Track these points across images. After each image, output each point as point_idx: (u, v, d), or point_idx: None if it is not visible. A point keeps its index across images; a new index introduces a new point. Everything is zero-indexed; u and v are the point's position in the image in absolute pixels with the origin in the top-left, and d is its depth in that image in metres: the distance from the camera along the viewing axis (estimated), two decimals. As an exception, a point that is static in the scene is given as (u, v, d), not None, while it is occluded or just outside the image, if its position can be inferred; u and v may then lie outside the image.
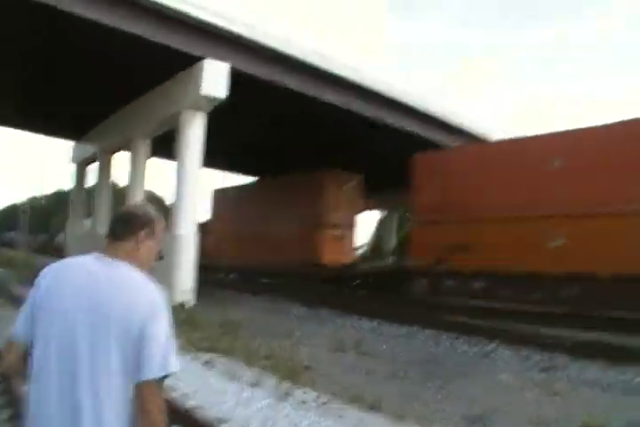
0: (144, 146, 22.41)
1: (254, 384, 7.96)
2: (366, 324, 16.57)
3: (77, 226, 31.62)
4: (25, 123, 29.83)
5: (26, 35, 16.77)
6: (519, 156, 16.84)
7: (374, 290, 24.08)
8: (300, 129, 24.81)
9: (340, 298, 22.34)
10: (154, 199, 46.94)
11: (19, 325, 2.12)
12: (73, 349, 1.97)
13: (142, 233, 2.23)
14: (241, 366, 9.25)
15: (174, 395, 6.63)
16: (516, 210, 16.18)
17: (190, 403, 6.44)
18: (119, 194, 32.53)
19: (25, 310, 2.13)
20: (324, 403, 7.20)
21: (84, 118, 26.12)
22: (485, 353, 12.43)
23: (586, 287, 14.37)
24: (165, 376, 2.03)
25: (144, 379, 1.97)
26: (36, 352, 2.02)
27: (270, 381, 8.25)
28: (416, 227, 20.95)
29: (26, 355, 2.08)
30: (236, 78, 17.62)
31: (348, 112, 21.62)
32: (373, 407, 7.25)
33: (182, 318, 14.65)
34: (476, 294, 17.51)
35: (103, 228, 26.35)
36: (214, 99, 17.90)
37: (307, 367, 9.66)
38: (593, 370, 10.68)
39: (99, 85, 20.68)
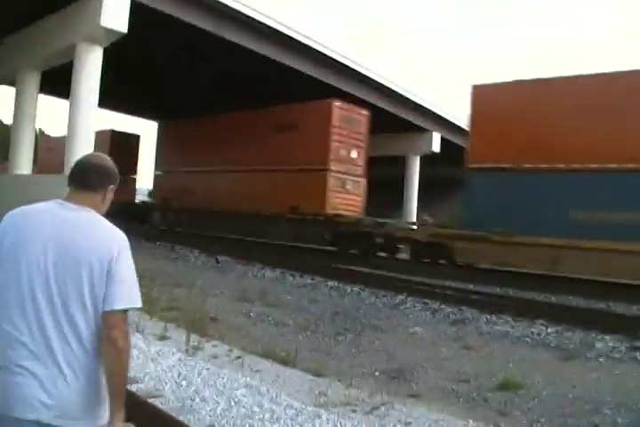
0: (33, 79, 20.43)
1: (161, 337, 7.37)
2: (269, 272, 16.22)
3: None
4: None
5: None
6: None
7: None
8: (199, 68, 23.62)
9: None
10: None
11: None
12: (47, 288, 2.08)
13: (110, 187, 2.36)
14: (145, 318, 8.60)
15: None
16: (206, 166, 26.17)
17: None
18: (6, 132, 30.31)
19: None
20: (238, 357, 6.72)
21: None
22: (394, 305, 12.27)
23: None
24: (126, 310, 2.19)
25: (112, 308, 2.11)
26: (7, 295, 2.11)
27: (177, 334, 7.69)
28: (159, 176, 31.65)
29: None
30: (138, 13, 16.26)
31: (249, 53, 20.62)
32: (287, 362, 6.86)
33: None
34: (183, 224, 27.35)
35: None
36: (114, 32, 16.43)
37: (213, 319, 9.13)
38: (501, 323, 10.71)
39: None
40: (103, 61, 16.97)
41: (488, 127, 16.80)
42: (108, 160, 2.39)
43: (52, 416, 2.03)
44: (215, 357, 6.73)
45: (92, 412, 2.13)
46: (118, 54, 17.59)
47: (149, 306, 9.31)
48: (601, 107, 14.80)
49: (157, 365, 5.92)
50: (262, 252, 20.67)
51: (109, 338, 2.08)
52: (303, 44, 21.70)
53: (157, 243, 22.08)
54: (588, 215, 14.27)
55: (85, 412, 2.11)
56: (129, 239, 2.28)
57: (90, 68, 16.97)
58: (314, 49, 22.20)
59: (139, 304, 2.21)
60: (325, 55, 22.75)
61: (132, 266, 2.24)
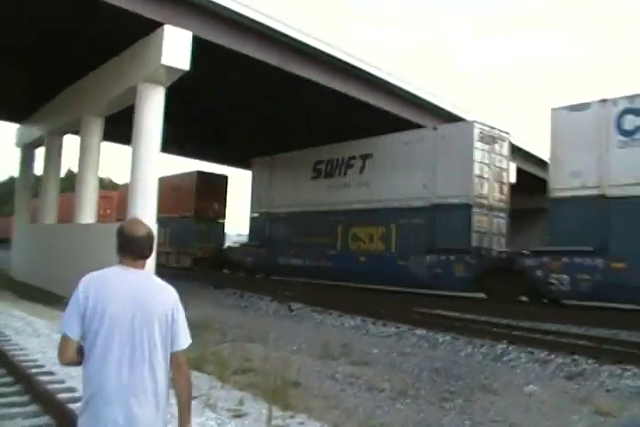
0: (96, 126, 19.85)
1: (236, 414, 6.12)
2: (348, 321, 14.87)
3: (23, 214, 29.11)
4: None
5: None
6: None
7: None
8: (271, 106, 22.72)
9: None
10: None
11: (73, 327, 2.67)
12: (131, 336, 2.67)
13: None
14: (215, 386, 7.39)
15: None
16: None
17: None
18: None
19: (73, 315, 2.67)
20: (331, 441, 5.41)
21: (27, 98, 23.68)
22: (496, 357, 10.75)
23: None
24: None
25: (179, 349, 2.79)
26: (96, 344, 2.65)
27: (255, 407, 6.43)
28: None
29: (79, 349, 2.70)
30: (201, 49, 15.50)
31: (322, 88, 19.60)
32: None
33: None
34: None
35: (50, 217, 24.12)
36: (176, 70, 15.65)
37: (295, 384, 7.84)
38: (628, 376, 9.11)
39: (43, 60, 18.54)
40: (168, 104, 16.20)
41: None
42: (149, 227, 2.92)
43: None
44: (304, 441, 5.43)
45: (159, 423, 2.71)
46: (184, 96, 16.89)
47: (221, 369, 8.18)
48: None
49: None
50: (337, 297, 19.36)
51: (179, 369, 2.79)
52: (374, 77, 20.68)
53: (224, 290, 20.99)
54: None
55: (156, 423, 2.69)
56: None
57: (152, 110, 16.16)
58: (387, 82, 21.15)
59: (190, 342, 2.83)
60: (395, 86, 21.63)
61: (184, 315, 2.84)
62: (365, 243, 22.97)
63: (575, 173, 16.32)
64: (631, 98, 15.76)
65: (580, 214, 16.03)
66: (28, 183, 29.57)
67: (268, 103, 22.12)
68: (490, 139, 20.23)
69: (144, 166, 16.26)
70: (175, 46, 15.28)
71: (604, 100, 16.17)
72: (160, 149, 16.43)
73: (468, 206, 19.44)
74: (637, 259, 14.54)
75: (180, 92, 16.46)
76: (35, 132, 27.01)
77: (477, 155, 19.75)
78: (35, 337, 10.09)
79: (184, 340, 2.79)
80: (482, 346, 11.61)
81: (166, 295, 2.81)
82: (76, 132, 21.18)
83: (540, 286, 17.04)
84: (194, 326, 9.30)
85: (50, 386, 6.48)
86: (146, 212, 15.89)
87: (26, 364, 7.72)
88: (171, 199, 30.34)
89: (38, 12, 15.35)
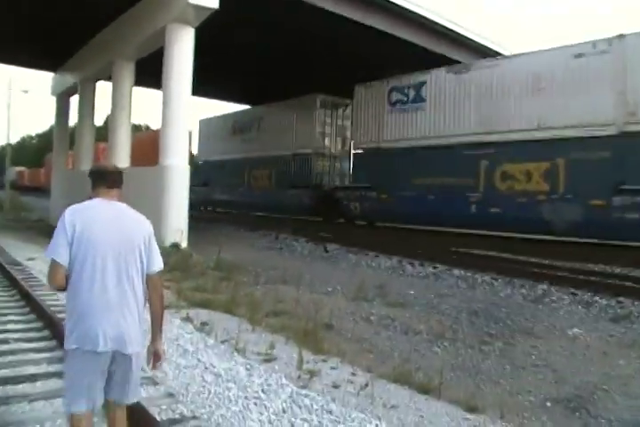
0: (127, 70, 19.47)
1: (266, 359, 5.90)
2: (384, 261, 14.57)
3: (60, 162, 29.14)
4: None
5: None
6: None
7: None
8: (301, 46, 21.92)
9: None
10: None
11: (62, 253, 2.91)
12: (117, 259, 3.00)
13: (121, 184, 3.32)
14: (245, 329, 7.18)
15: (156, 395, 4.56)
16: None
17: (180, 410, 4.31)
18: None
19: (61, 241, 2.91)
20: (365, 386, 5.14)
21: (61, 45, 23.27)
22: (537, 298, 10.38)
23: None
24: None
25: (154, 270, 3.16)
26: (85, 266, 2.93)
27: (286, 351, 6.22)
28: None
29: (67, 273, 2.94)
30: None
31: (353, 24, 18.79)
32: (429, 391, 5.25)
33: (173, 262, 12.67)
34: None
35: (86, 162, 24.03)
36: (204, 8, 15.06)
37: (328, 326, 7.60)
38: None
39: (74, 4, 18.09)
40: (196, 47, 15.66)
41: None
42: (117, 167, 3.48)
43: (116, 346, 2.95)
44: (336, 386, 5.18)
45: (139, 339, 3.06)
46: (210, 38, 16.33)
47: (252, 311, 7.97)
48: None
49: (262, 409, 4.40)
50: (372, 237, 19.05)
51: (155, 288, 3.18)
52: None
53: (259, 232, 20.80)
54: None
55: (136, 339, 3.03)
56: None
57: (181, 51, 15.63)
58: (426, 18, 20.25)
59: (162, 265, 3.24)
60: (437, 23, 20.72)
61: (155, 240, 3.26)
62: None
63: (363, 133, 23.05)
64: (397, 79, 21.34)
65: (366, 162, 23.17)
66: (65, 132, 29.47)
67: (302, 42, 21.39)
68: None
69: (175, 109, 15.91)
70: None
71: (382, 80, 21.92)
72: (191, 91, 16.01)
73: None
74: (395, 192, 20.82)
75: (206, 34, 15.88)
76: (68, 79, 26.75)
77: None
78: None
79: (158, 263, 3.19)
80: (522, 287, 11.27)
81: (143, 225, 3.21)
82: (109, 78, 20.76)
83: (344, 210, 23.70)
84: (227, 268, 9.08)
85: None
86: (178, 154, 15.67)
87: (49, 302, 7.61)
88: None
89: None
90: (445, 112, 19.50)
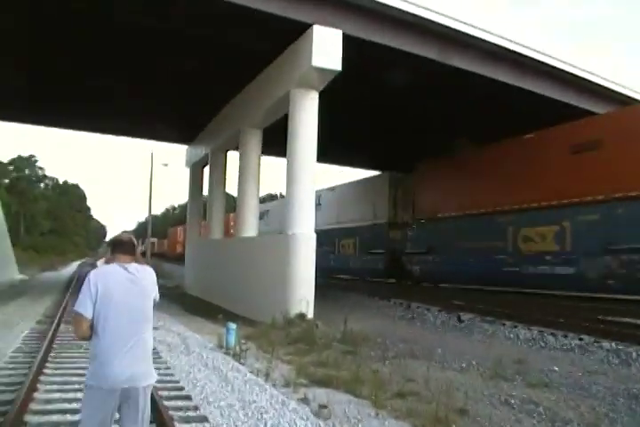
0: (254, 138, 19.75)
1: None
2: (523, 333, 13.39)
3: (193, 231, 29.97)
4: (139, 131, 28.85)
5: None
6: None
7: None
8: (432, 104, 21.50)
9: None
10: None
11: (87, 308, 3.49)
12: (140, 313, 3.65)
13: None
14: (368, 414, 6.47)
15: None
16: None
17: None
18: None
19: (86, 300, 3.50)
20: None
21: (193, 118, 24.31)
22: None
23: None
24: None
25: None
26: (108, 320, 3.50)
27: (411, 444, 5.45)
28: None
29: (91, 326, 3.50)
30: (351, 48, 14.81)
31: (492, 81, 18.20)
32: None
33: (296, 334, 12.22)
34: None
35: (217, 231, 24.44)
36: (327, 71, 15.03)
37: (461, 411, 6.73)
38: None
39: (204, 81, 18.85)
40: (322, 111, 15.62)
41: None
42: (132, 237, 3.95)
43: (132, 383, 3.52)
44: None
45: (150, 373, 3.72)
46: (336, 100, 16.30)
47: (377, 390, 7.22)
48: None
49: None
50: (509, 305, 17.79)
51: None
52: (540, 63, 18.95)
53: (392, 301, 20.00)
54: None
55: (147, 373, 3.67)
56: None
57: (306, 115, 15.65)
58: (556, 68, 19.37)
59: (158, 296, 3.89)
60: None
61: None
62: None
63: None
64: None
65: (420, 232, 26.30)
66: (198, 202, 30.43)
67: (425, 101, 21.00)
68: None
69: (300, 175, 15.74)
70: (325, 46, 14.81)
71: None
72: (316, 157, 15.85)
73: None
74: (444, 256, 24.01)
75: (329, 97, 15.81)
76: (200, 151, 27.77)
77: None
78: (185, 355, 9.68)
79: (156, 297, 3.83)
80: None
81: (151, 275, 3.81)
82: (237, 148, 21.17)
83: (406, 272, 26.89)
84: (353, 340, 8.43)
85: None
86: (304, 222, 15.39)
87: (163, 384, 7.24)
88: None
89: (197, 33, 15.58)
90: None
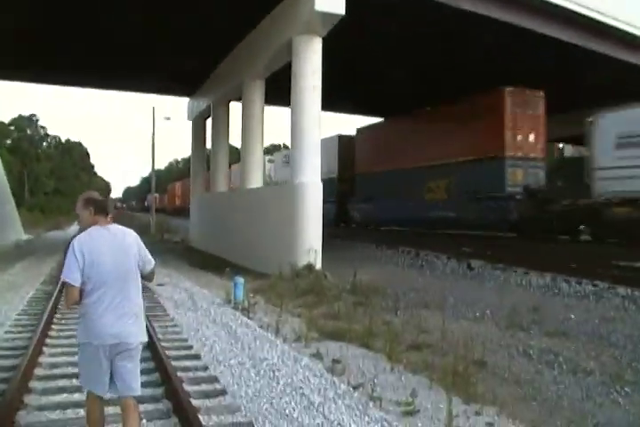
0: (257, 88, 19.14)
1: (406, 411, 4.95)
2: (535, 279, 13.17)
3: (197, 185, 29.64)
4: (140, 85, 28.21)
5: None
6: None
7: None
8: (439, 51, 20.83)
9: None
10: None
11: (75, 277, 3.56)
12: (124, 273, 3.72)
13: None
14: (383, 368, 6.28)
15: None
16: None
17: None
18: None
19: (74, 268, 3.56)
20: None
21: (193, 70, 23.63)
22: None
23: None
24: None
25: (148, 269, 3.93)
26: (95, 283, 3.61)
27: (430, 399, 5.24)
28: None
29: (80, 291, 3.59)
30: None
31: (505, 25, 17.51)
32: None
33: (305, 286, 12.04)
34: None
35: (221, 184, 24.14)
36: (331, 15, 14.35)
37: (479, 363, 6.52)
38: None
39: (202, 31, 18.23)
40: (323, 59, 15.04)
41: None
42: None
43: (120, 339, 3.63)
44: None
45: (140, 333, 3.80)
46: (337, 50, 15.72)
47: (391, 343, 7.00)
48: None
49: None
50: (518, 252, 17.58)
51: (151, 278, 4.11)
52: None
53: (400, 249, 19.79)
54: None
55: (137, 333, 3.76)
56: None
57: (309, 63, 15.05)
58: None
59: (153, 261, 3.99)
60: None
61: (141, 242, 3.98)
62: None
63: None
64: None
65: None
66: (202, 155, 30.00)
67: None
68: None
69: (305, 124, 15.28)
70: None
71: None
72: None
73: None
74: (377, 205, 29.20)
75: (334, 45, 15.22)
76: (202, 103, 27.18)
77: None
78: (192, 311, 9.49)
79: (150, 262, 3.93)
80: None
81: (132, 236, 3.88)
82: (240, 99, 20.59)
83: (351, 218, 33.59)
84: (363, 291, 8.21)
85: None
86: (310, 171, 15.05)
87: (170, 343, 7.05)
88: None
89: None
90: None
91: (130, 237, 3.88)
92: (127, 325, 3.67)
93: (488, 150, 23.24)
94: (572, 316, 9.36)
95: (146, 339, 3.88)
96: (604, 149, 19.49)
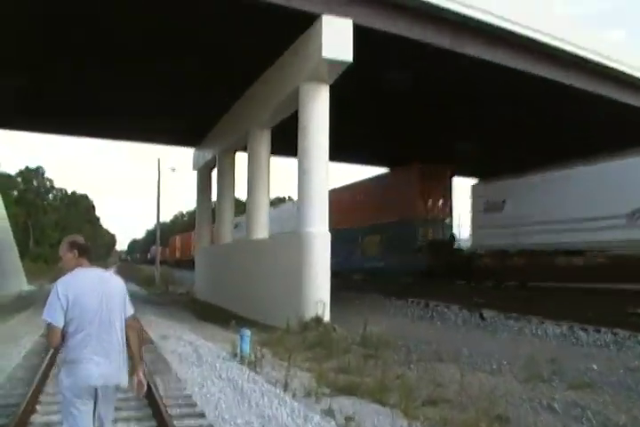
0: (263, 138, 18.94)
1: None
2: (552, 329, 12.76)
3: (203, 237, 29.36)
4: (145, 135, 28.24)
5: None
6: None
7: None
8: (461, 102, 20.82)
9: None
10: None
11: (58, 318, 3.57)
12: (102, 317, 3.67)
13: None
14: (400, 425, 5.88)
15: None
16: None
17: None
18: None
19: (57, 308, 3.58)
20: None
21: (200, 120, 23.69)
22: None
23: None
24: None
25: (129, 316, 3.84)
26: (79, 325, 3.60)
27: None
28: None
29: (63, 334, 3.59)
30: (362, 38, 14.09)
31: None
32: None
33: (313, 338, 11.63)
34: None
35: (226, 236, 23.88)
36: (338, 62, 14.19)
37: (501, 419, 6.11)
38: None
39: (207, 80, 18.34)
40: (332, 107, 14.92)
41: None
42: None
43: (105, 381, 3.65)
44: None
45: (123, 373, 3.74)
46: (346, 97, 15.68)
47: (406, 397, 6.62)
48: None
49: None
50: (531, 301, 17.18)
51: (133, 329, 3.86)
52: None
53: (410, 300, 19.36)
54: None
55: (120, 373, 3.72)
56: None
57: (316, 111, 14.87)
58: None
59: (133, 310, 3.94)
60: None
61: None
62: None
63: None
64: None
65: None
66: (207, 206, 29.85)
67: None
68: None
69: (313, 172, 15.02)
70: (335, 37, 13.97)
71: None
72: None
73: None
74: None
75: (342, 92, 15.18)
76: (207, 153, 27.14)
77: None
78: (197, 366, 9.09)
79: (130, 310, 3.89)
80: None
81: (117, 282, 3.93)
82: (246, 149, 20.45)
83: None
84: (374, 344, 7.83)
85: None
86: (318, 220, 14.76)
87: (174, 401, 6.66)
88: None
89: (196, 30, 15.05)
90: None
91: (114, 279, 3.96)
92: (112, 367, 3.66)
93: (405, 213, 29.92)
94: (595, 366, 8.95)
95: (127, 381, 3.81)
96: (478, 211, 27.49)
